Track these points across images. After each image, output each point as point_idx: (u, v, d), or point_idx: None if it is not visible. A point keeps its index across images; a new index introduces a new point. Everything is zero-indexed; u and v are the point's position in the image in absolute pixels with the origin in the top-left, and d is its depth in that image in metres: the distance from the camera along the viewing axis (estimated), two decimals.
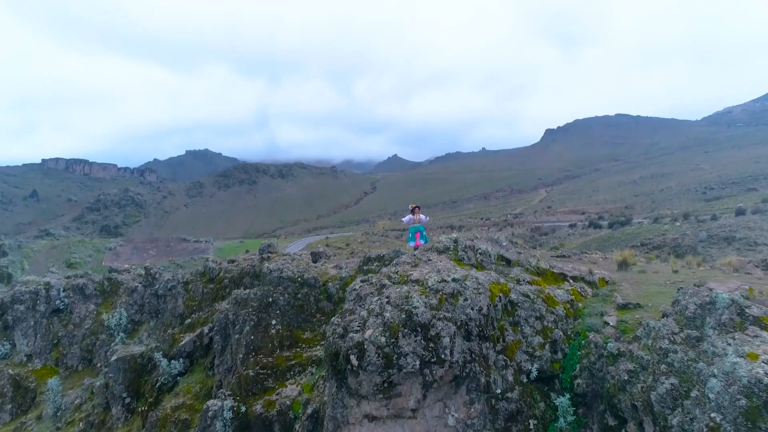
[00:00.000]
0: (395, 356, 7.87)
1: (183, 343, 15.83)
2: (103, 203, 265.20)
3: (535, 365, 8.86)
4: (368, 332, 8.14)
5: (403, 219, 15.00)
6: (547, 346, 9.08)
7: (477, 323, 8.46)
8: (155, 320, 17.90)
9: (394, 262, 10.39)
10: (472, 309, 8.52)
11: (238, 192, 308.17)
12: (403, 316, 8.17)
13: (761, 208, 62.09)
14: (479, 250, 10.42)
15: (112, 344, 17.87)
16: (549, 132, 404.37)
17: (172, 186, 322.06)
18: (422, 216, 14.54)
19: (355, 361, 8.00)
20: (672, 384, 6.57)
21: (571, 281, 10.71)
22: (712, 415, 5.83)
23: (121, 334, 18.39)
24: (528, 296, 9.43)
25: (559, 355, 9.14)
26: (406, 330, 8.04)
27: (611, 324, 9.11)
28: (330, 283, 13.58)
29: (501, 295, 9.22)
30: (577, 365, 8.92)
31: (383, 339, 7.99)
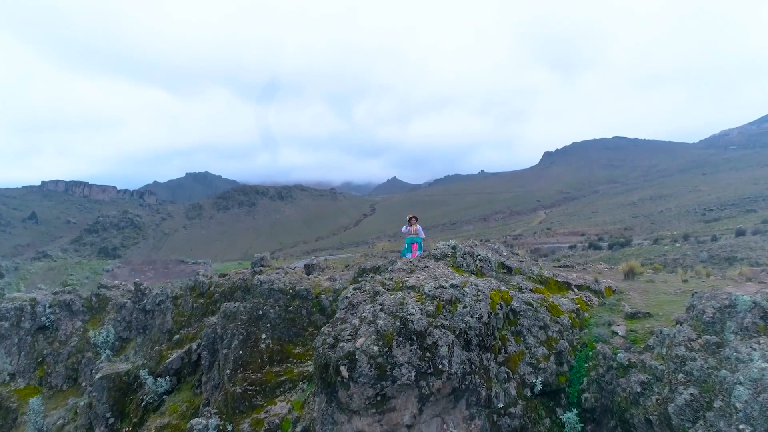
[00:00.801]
0: (389, 367, 7.29)
1: (170, 359, 15.15)
2: (102, 225, 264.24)
3: (540, 378, 8.27)
4: (360, 341, 7.57)
5: (402, 229, 14.52)
6: (552, 358, 8.49)
7: (477, 332, 7.90)
8: (143, 336, 17.22)
9: (389, 269, 9.86)
10: (472, 317, 7.96)
11: (238, 214, 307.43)
12: (398, 323, 7.61)
13: (761, 229, 61.72)
14: (479, 257, 9.88)
15: (98, 362, 17.16)
16: (547, 154, 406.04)
17: (171, 208, 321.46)
18: (419, 229, 14.07)
19: (345, 373, 7.40)
20: (692, 394, 5.99)
21: (575, 290, 10.15)
22: (741, 426, 5.24)
23: (107, 352, 17.68)
24: (531, 304, 8.87)
25: (565, 368, 8.55)
26: (400, 338, 7.47)
27: (620, 334, 8.54)
28: (323, 295, 13.00)
29: (502, 302, 8.67)
30: (585, 378, 8.33)
31: (376, 348, 7.41)
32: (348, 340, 7.73)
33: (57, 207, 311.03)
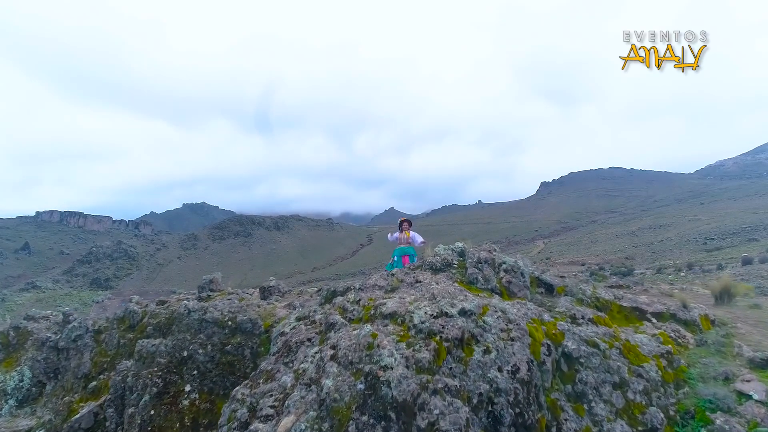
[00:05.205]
0: None
1: (79, 416, 11.28)
2: (95, 256, 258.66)
3: None
4: (286, 421, 3.92)
5: (389, 236, 10.85)
6: None
7: (511, 399, 4.27)
8: (54, 383, 13.37)
9: (358, 286, 6.24)
10: (501, 371, 4.35)
11: (233, 244, 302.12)
12: (361, 386, 3.98)
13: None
14: (503, 266, 6.23)
15: None
16: (544, 185, 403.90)
17: (166, 238, 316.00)
18: (414, 234, 10.33)
19: None
20: None
21: (653, 320, 6.52)
22: None
23: (10, 402, 13.78)
24: (596, 346, 5.23)
25: None
26: (364, 417, 3.83)
27: (756, 397, 4.92)
28: (276, 329, 9.32)
29: (548, 342, 5.03)
30: None
31: None
32: (268, 418, 4.09)
33: (51, 237, 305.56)
